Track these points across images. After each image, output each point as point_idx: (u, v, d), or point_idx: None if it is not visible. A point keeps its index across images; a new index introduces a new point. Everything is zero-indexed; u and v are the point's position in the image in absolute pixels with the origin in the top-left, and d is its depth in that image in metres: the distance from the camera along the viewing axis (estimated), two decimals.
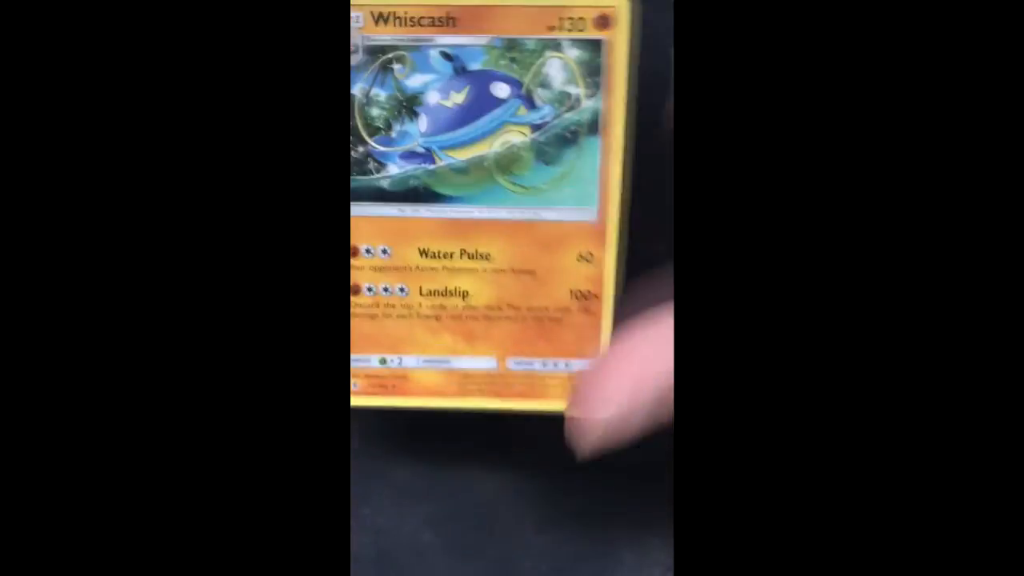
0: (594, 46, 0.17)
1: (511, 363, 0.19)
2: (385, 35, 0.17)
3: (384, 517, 0.24)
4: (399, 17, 0.17)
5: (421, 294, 0.19)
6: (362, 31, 0.17)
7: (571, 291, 0.18)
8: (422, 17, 0.17)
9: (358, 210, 0.18)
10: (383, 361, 0.19)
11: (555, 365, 0.19)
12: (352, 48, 0.17)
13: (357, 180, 0.18)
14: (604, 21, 0.17)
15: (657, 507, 0.23)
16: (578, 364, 0.19)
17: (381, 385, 0.19)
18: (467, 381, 0.19)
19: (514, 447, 0.24)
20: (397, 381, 0.19)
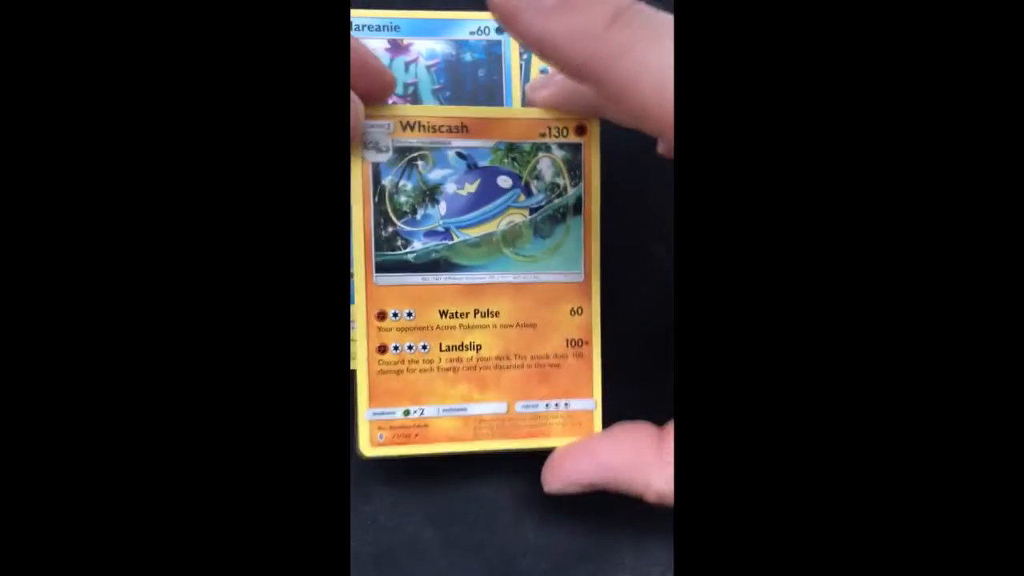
0: (575, 148, 0.22)
1: (519, 406, 0.22)
2: (411, 138, 0.21)
3: (385, 515, 0.24)
4: (423, 125, 0.21)
5: (441, 349, 0.22)
6: (392, 135, 0.21)
7: (566, 339, 0.22)
8: (441, 125, 0.22)
9: (386, 279, 0.21)
10: (407, 413, 0.22)
11: (556, 405, 0.22)
12: (384, 148, 0.21)
13: (385, 255, 0.21)
14: (581, 129, 0.22)
15: (657, 507, 0.23)
16: (576, 403, 0.22)
17: (405, 435, 0.22)
18: (481, 425, 0.22)
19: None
20: (419, 430, 0.22)
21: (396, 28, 0.25)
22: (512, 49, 0.25)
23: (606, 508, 0.24)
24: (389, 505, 0.25)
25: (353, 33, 0.25)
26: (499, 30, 0.25)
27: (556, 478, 0.21)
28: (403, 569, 0.24)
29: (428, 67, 0.25)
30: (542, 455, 0.22)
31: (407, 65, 0.25)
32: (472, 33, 0.25)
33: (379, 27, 0.25)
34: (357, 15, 0.25)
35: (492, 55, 0.25)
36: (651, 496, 0.20)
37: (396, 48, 0.25)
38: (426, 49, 0.25)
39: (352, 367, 0.22)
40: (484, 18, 0.25)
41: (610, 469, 0.20)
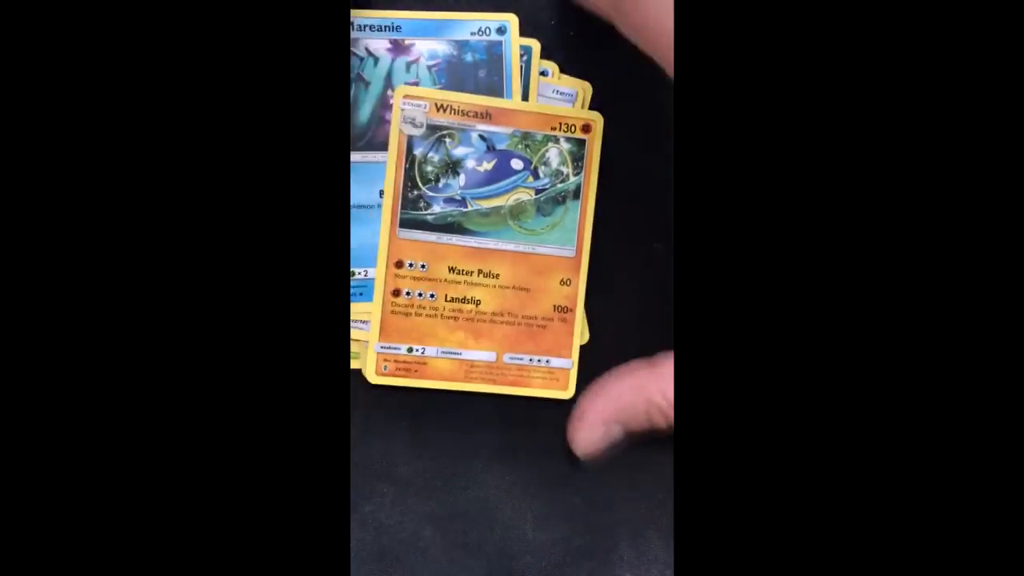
0: (580, 143, 0.26)
1: (506, 357, 0.26)
2: (443, 119, 0.25)
3: (385, 514, 0.25)
4: (454, 108, 0.25)
5: (446, 300, 0.25)
6: (427, 114, 0.25)
7: (554, 305, 0.26)
8: (468, 111, 0.25)
9: (407, 234, 0.25)
10: (410, 350, 0.25)
11: (539, 360, 0.26)
12: (419, 124, 0.25)
13: (409, 213, 0.25)
14: (587, 128, 0.26)
15: (657, 504, 0.25)
16: (556, 361, 0.26)
17: (406, 369, 0.25)
18: (472, 369, 0.25)
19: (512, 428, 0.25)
20: (419, 366, 0.25)
21: (398, 28, 0.25)
22: (513, 50, 0.25)
23: (606, 507, 0.25)
24: (389, 504, 0.25)
25: (354, 34, 0.25)
26: (500, 31, 0.25)
27: (582, 428, 0.22)
28: (403, 568, 0.25)
29: (430, 67, 0.25)
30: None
31: (408, 65, 0.25)
32: (473, 34, 0.25)
33: (381, 27, 0.25)
34: (358, 15, 0.25)
35: (493, 55, 0.25)
36: (657, 414, 0.21)
37: (397, 48, 0.25)
38: (427, 49, 0.25)
39: (353, 367, 0.25)
40: (485, 18, 0.26)
41: (620, 396, 0.22)
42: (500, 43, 0.25)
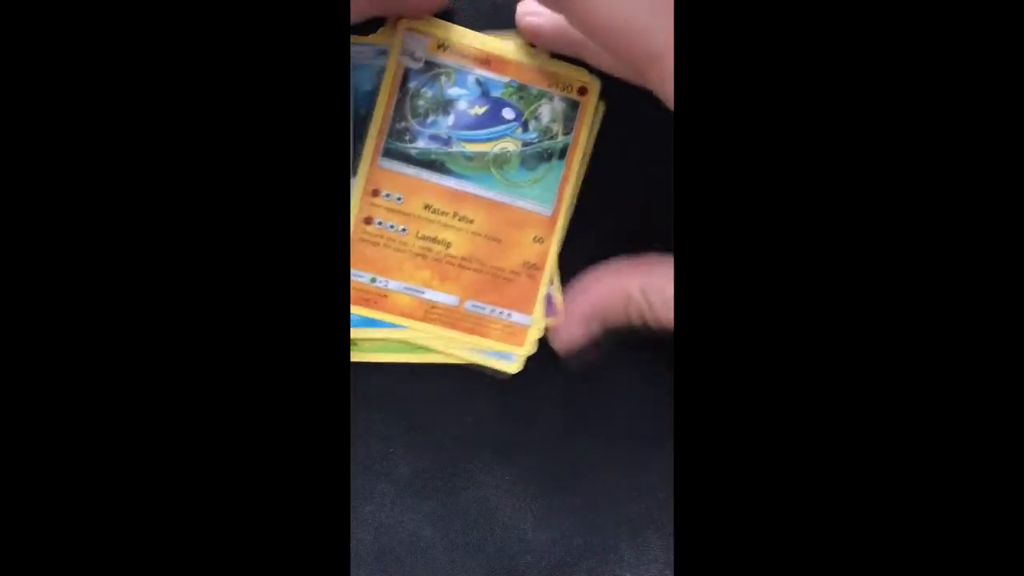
0: (573, 104, 0.26)
1: (468, 304, 0.25)
2: (442, 58, 0.25)
3: (385, 514, 0.25)
4: (455, 49, 0.25)
5: (416, 236, 0.25)
6: (427, 49, 0.25)
7: (523, 261, 0.26)
8: (469, 53, 0.25)
9: (388, 164, 0.25)
10: (373, 280, 0.25)
11: (500, 313, 0.26)
12: (418, 58, 0.25)
13: (393, 143, 0.25)
14: (583, 90, 0.26)
15: (657, 504, 0.25)
16: (517, 315, 0.26)
17: (366, 299, 0.25)
18: (432, 310, 0.25)
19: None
20: (379, 298, 0.25)
21: None
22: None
23: (606, 507, 0.25)
24: (389, 504, 0.25)
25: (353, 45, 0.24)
26: None
27: (563, 324, 0.23)
28: (403, 568, 0.25)
29: None
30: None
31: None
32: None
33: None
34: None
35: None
36: (635, 311, 0.21)
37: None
38: None
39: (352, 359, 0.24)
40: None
41: (600, 293, 0.22)
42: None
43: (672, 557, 0.25)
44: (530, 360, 0.25)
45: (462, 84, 0.25)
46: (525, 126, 0.26)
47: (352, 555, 0.24)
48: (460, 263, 0.25)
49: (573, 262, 0.26)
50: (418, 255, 0.25)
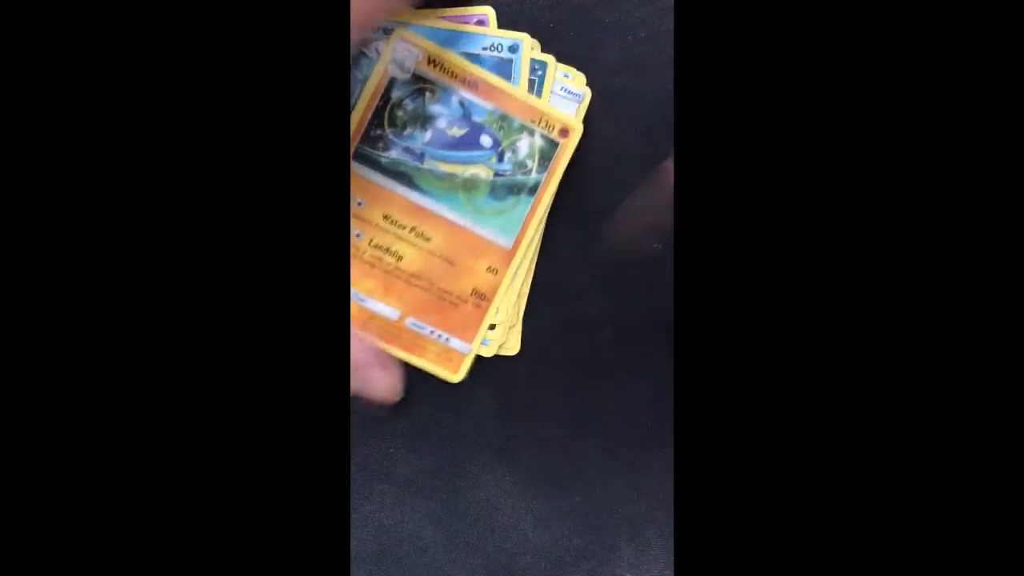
0: (553, 144, 0.26)
1: (409, 321, 0.25)
2: (431, 73, 0.25)
3: (385, 514, 0.25)
4: (445, 67, 0.25)
5: (370, 244, 0.25)
6: (418, 64, 0.25)
7: (473, 289, 0.25)
8: (458, 74, 0.25)
9: (356, 168, 0.25)
10: None
11: (439, 336, 0.25)
12: (406, 70, 0.25)
13: (364, 149, 0.25)
14: (564, 132, 0.26)
15: (657, 504, 0.25)
16: (456, 342, 0.25)
17: None
18: (370, 321, 0.25)
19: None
20: None
21: None
22: (523, 65, 0.26)
23: (606, 507, 0.25)
24: (389, 504, 0.25)
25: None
26: (512, 48, 0.25)
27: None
28: (403, 568, 0.25)
29: None
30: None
31: None
32: (485, 49, 0.25)
33: (391, 30, 0.24)
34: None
35: (503, 72, 0.25)
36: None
37: None
38: None
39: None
40: (497, 35, 0.26)
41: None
42: (511, 61, 0.25)
43: (672, 557, 0.25)
44: (530, 360, 0.25)
45: (445, 103, 0.25)
46: (501, 156, 0.25)
47: (352, 555, 0.24)
48: (408, 279, 0.25)
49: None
50: (367, 263, 0.25)
